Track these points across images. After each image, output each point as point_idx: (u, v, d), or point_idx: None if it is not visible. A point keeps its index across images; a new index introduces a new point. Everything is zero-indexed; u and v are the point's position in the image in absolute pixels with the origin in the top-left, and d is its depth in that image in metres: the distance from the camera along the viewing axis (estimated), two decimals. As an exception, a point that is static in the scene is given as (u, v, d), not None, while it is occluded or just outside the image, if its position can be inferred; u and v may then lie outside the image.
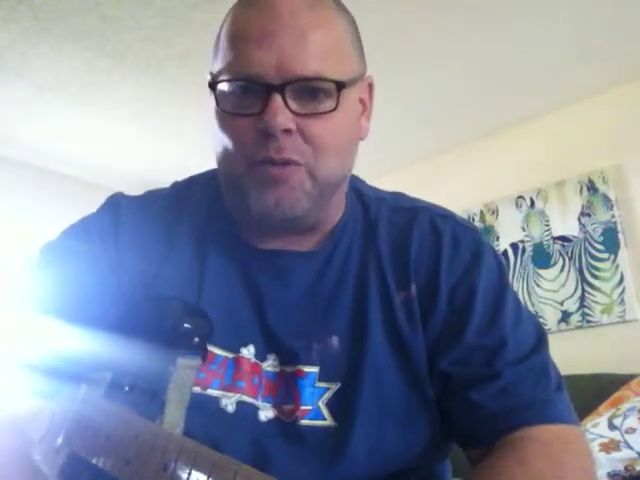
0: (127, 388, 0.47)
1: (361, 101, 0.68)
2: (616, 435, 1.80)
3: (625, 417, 1.84)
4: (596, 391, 2.08)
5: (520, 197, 2.90)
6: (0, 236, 3.04)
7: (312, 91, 0.60)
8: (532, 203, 2.86)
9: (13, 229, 3.11)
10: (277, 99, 0.58)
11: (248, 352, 0.65)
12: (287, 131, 0.59)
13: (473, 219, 3.00)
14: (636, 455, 1.73)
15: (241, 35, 0.61)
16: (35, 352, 0.58)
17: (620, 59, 2.51)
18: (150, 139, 3.12)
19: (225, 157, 0.64)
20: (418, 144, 3.10)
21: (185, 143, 3.14)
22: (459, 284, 0.67)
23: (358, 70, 0.66)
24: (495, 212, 2.98)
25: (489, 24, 2.26)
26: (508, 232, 2.91)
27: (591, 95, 2.73)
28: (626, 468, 1.73)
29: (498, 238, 2.93)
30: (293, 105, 0.59)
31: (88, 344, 0.57)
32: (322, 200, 0.65)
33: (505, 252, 2.88)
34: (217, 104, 0.63)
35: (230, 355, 0.65)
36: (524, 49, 2.41)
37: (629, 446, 1.75)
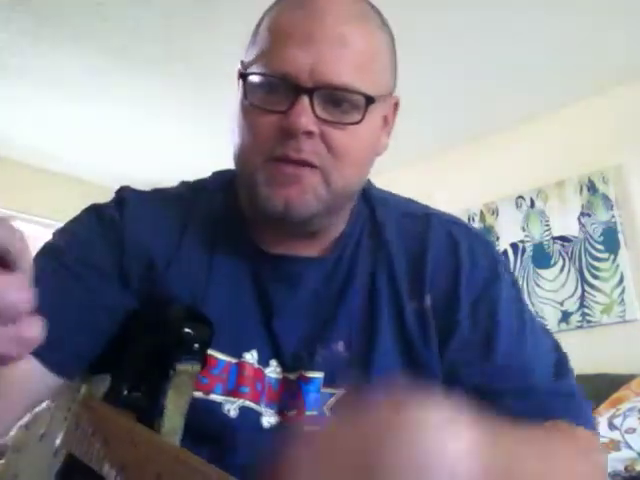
0: (126, 392, 0.47)
1: (384, 118, 0.68)
2: (616, 435, 1.80)
3: (625, 417, 1.84)
4: (596, 391, 2.08)
5: (520, 197, 2.90)
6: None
7: (340, 101, 0.60)
8: (532, 203, 2.86)
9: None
10: (304, 101, 0.58)
11: (251, 357, 0.65)
12: (309, 133, 0.59)
13: (473, 219, 3.00)
14: (636, 455, 1.73)
15: (282, 33, 0.61)
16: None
17: (620, 59, 2.51)
18: (150, 139, 3.12)
19: (242, 150, 0.63)
20: (418, 144, 3.10)
21: (185, 143, 3.14)
22: (480, 299, 0.66)
23: (388, 87, 0.67)
24: (495, 212, 2.98)
25: (489, 24, 2.26)
26: (508, 232, 2.91)
27: (591, 95, 2.73)
28: (626, 468, 1.73)
29: (498, 238, 2.93)
30: (319, 110, 0.59)
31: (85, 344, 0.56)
32: (334, 207, 0.65)
33: (505, 252, 2.88)
34: (244, 95, 0.62)
35: (233, 360, 0.64)
36: (524, 49, 2.40)
37: (629, 446, 1.75)
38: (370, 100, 0.61)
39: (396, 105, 0.70)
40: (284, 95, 0.59)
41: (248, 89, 0.61)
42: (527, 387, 0.63)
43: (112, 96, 2.72)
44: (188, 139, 3.09)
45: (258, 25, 0.66)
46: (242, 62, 0.66)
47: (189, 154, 3.18)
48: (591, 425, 0.64)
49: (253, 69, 0.62)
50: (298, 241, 0.68)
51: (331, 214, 0.65)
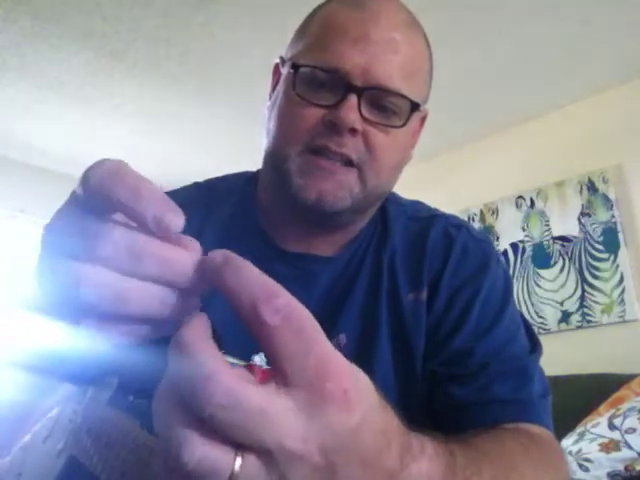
0: (132, 397, 0.47)
1: (414, 130, 0.70)
2: (616, 435, 1.80)
3: (625, 417, 1.84)
4: (596, 391, 2.08)
5: (520, 197, 2.90)
6: (0, 236, 3.04)
7: (385, 104, 0.62)
8: (532, 203, 2.86)
9: (13, 229, 3.10)
10: (353, 99, 0.59)
11: (260, 359, 0.65)
12: (353, 131, 0.60)
13: (473, 219, 3.00)
14: (636, 455, 1.73)
15: (338, 30, 0.61)
16: (38, 353, 0.58)
17: (620, 59, 2.51)
18: (150, 139, 3.12)
19: (279, 138, 0.64)
20: (418, 144, 3.09)
21: (185, 143, 3.14)
22: (461, 289, 0.67)
23: (424, 99, 0.69)
24: (495, 212, 2.98)
25: (489, 24, 2.26)
26: (508, 232, 2.91)
27: (591, 95, 2.73)
28: (626, 468, 1.73)
29: (498, 238, 2.93)
30: (365, 111, 0.60)
31: (94, 347, 0.56)
32: (363, 206, 0.65)
33: (505, 252, 2.88)
34: (292, 86, 0.62)
35: (242, 363, 0.64)
36: (524, 49, 2.40)
37: (629, 446, 1.75)
38: (415, 107, 0.63)
39: (423, 119, 0.72)
40: (333, 90, 0.60)
41: (297, 80, 0.62)
42: (477, 376, 0.63)
43: (112, 96, 2.72)
44: (188, 139, 3.08)
45: (308, 20, 0.67)
46: (282, 57, 0.68)
47: (189, 154, 3.18)
48: (549, 427, 0.63)
49: (302, 61, 0.62)
50: (317, 239, 0.68)
51: (359, 212, 0.67)
